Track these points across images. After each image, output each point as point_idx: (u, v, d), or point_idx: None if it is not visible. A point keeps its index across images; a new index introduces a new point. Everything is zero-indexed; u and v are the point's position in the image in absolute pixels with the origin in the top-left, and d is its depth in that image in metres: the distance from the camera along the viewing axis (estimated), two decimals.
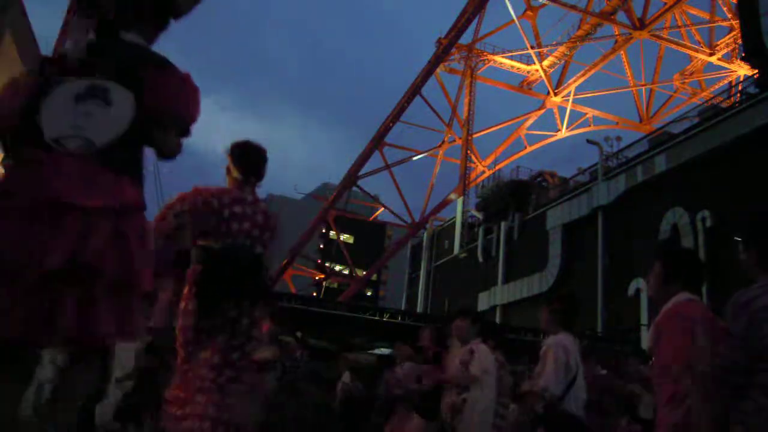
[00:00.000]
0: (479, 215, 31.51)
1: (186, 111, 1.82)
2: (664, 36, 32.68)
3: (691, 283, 2.73)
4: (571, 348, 3.82)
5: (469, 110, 34.40)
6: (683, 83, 35.18)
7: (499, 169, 33.48)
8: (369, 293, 56.04)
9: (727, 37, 32.39)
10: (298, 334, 8.46)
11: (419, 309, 33.20)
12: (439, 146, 36.64)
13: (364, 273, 39.54)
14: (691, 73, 34.64)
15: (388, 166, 35.85)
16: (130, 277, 1.61)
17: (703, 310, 2.62)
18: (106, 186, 1.60)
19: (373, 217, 41.39)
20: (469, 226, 32.60)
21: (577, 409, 3.66)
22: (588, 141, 24.46)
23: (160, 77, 1.75)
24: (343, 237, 44.65)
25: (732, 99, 21.95)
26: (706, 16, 33.27)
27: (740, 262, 2.49)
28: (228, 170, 2.94)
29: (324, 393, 7.70)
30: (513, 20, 33.24)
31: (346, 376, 8.66)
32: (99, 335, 1.56)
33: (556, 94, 34.17)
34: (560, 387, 3.63)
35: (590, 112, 34.90)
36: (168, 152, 1.82)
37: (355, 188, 37.25)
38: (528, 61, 34.80)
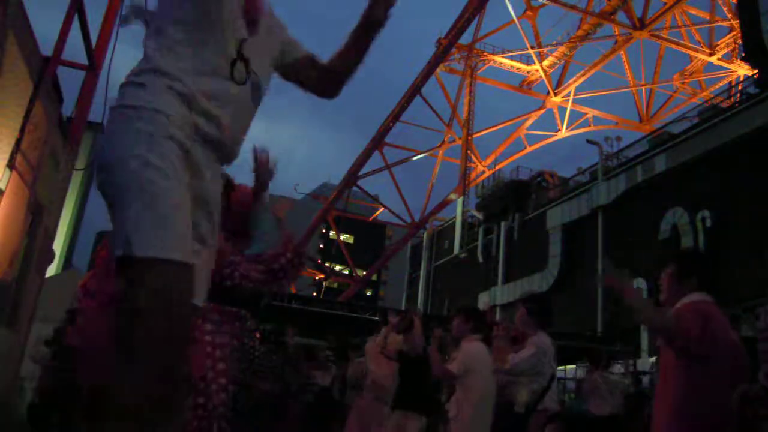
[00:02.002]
0: (479, 215, 31.50)
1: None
2: (664, 36, 32.68)
3: (704, 284, 2.68)
4: (549, 350, 3.83)
5: (469, 110, 34.39)
6: (683, 83, 35.18)
7: (499, 169, 33.50)
8: (369, 293, 56.03)
9: (727, 37, 32.39)
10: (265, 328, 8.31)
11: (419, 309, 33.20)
12: (439, 146, 36.65)
13: (364, 273, 39.54)
14: (691, 73, 34.64)
15: (388, 166, 35.86)
16: None
17: (718, 311, 2.55)
18: None
19: (373, 217, 41.38)
20: (469, 226, 32.59)
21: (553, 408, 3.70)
22: (588, 141, 24.47)
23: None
24: (343, 237, 44.66)
25: (732, 99, 21.94)
26: (706, 16, 33.27)
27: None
28: None
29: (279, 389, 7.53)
30: (513, 20, 33.27)
31: (319, 376, 8.52)
32: None
33: (556, 94, 34.17)
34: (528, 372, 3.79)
35: (590, 112, 34.91)
36: None
37: (355, 188, 37.25)
38: (528, 61, 34.81)
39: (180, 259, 1.17)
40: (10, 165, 3.79)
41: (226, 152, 1.49)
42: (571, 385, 15.56)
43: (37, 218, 4.86)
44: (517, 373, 3.82)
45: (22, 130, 3.83)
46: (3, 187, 3.76)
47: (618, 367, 13.59)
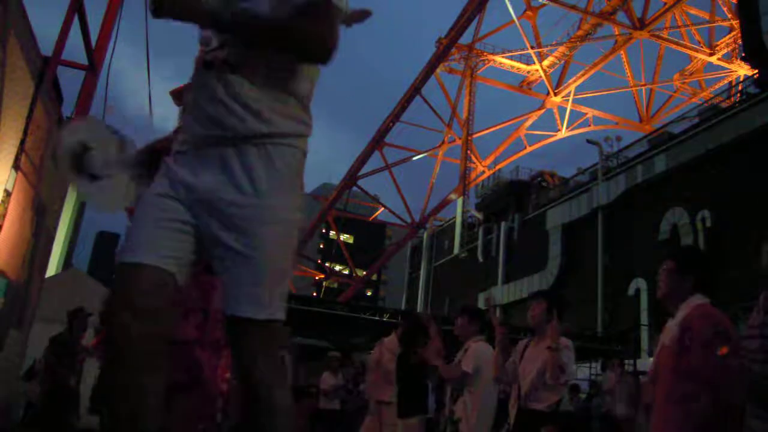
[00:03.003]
0: (479, 215, 31.51)
1: None
2: (664, 36, 32.66)
3: (703, 281, 2.58)
4: None
5: (469, 110, 34.40)
6: (683, 83, 35.16)
7: (499, 169, 33.50)
8: (369, 293, 56.02)
9: (727, 37, 32.38)
10: None
11: (419, 309, 33.20)
12: (439, 146, 36.65)
13: (364, 273, 39.54)
14: (691, 73, 34.62)
15: (388, 166, 35.86)
16: None
17: (721, 314, 2.47)
18: None
19: (373, 217, 41.37)
20: (469, 226, 32.59)
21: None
22: (588, 141, 24.46)
23: None
24: (343, 237, 44.66)
25: (732, 99, 21.96)
26: (706, 16, 33.26)
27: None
28: None
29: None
30: (513, 20, 33.24)
31: (328, 376, 8.42)
32: None
33: (556, 94, 34.16)
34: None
35: (590, 112, 34.90)
36: None
37: (355, 188, 37.25)
38: (528, 61, 34.80)
39: (130, 261, 1.42)
40: (16, 166, 3.79)
41: (206, 135, 1.46)
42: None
43: (41, 219, 4.87)
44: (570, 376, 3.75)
45: (25, 131, 3.83)
46: (10, 189, 3.76)
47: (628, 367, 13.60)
